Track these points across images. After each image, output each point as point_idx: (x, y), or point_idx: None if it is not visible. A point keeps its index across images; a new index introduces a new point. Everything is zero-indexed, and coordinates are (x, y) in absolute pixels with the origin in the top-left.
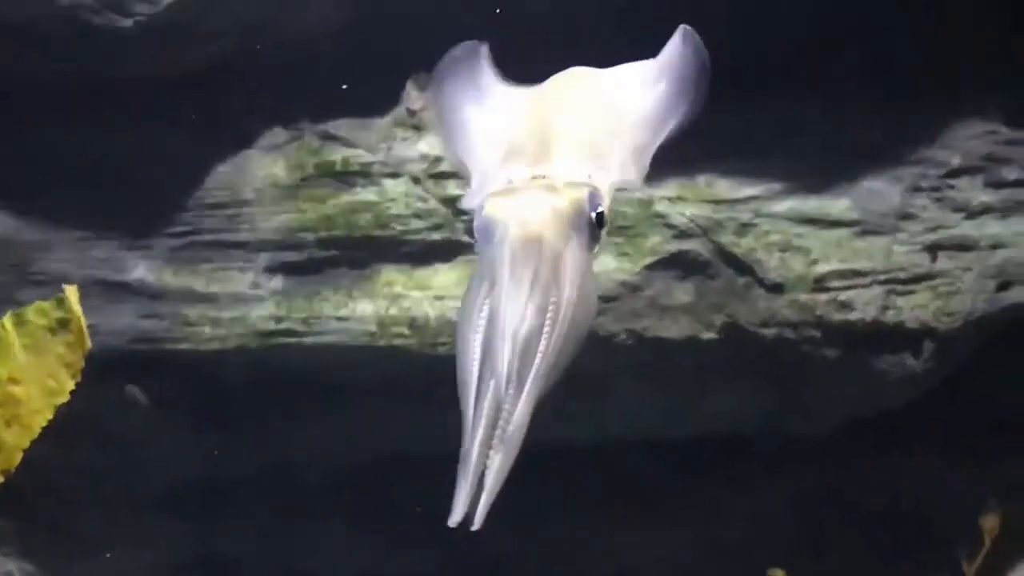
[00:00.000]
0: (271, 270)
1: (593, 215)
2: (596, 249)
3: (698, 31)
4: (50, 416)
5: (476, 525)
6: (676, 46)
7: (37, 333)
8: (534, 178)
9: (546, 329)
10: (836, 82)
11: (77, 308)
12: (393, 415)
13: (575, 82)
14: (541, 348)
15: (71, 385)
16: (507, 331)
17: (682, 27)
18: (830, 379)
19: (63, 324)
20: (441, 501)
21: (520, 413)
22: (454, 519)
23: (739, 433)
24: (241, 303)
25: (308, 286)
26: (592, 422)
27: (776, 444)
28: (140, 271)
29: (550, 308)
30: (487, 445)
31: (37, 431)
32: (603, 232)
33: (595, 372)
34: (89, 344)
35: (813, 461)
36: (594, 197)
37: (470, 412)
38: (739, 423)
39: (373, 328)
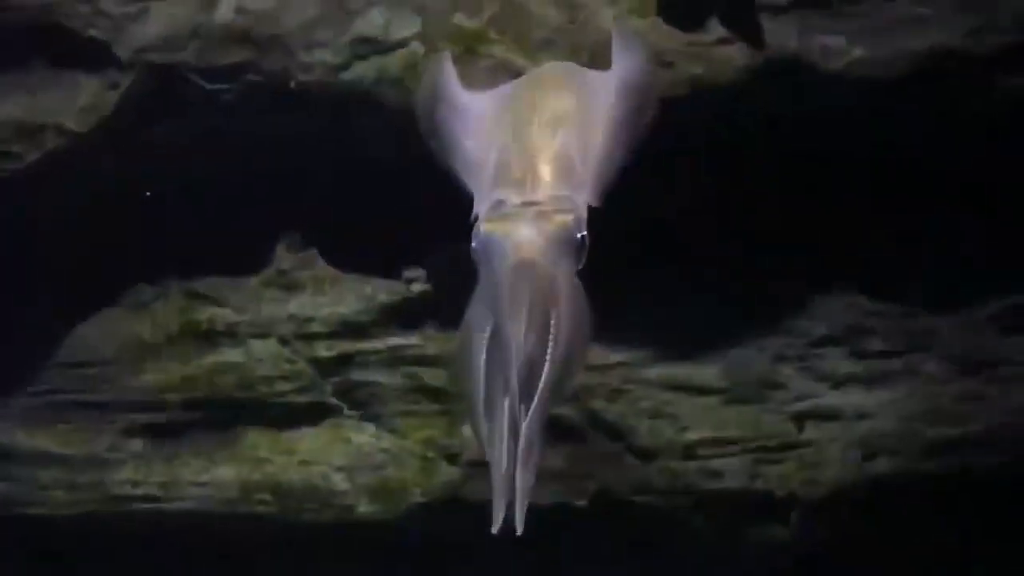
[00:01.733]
0: (130, 432)
1: (579, 236)
2: (580, 266)
3: None
4: None
5: (520, 531)
6: (628, 58)
7: None
8: (524, 204)
9: (549, 346)
10: (703, 251)
11: None
12: None
13: (552, 84)
14: (547, 364)
15: None
16: (514, 350)
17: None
18: (699, 549)
19: None
20: None
21: (535, 427)
22: (496, 527)
23: None
24: (98, 466)
25: (168, 449)
26: None
27: None
28: None
29: (551, 326)
30: (512, 456)
31: None
32: (586, 250)
33: (462, 538)
34: None
35: None
36: (578, 220)
37: (483, 425)
38: None
39: (235, 494)
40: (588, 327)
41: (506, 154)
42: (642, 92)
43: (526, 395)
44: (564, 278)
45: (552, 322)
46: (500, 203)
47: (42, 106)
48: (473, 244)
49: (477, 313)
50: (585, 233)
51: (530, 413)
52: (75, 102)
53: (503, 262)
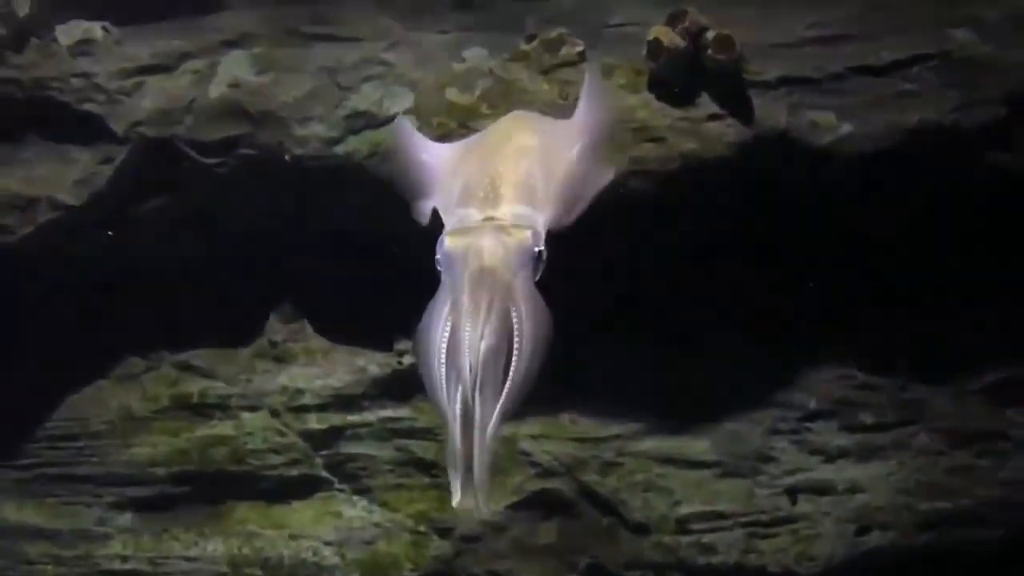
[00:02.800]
0: (119, 506)
1: (536, 250)
2: (538, 277)
3: (569, 275)
4: None
5: (483, 514)
6: (592, 103)
7: None
8: (486, 219)
9: (515, 342)
10: (697, 325)
11: None
12: None
13: (516, 127)
14: (515, 356)
15: None
16: (468, 345)
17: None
18: None
19: None
20: None
21: (496, 419)
22: (456, 501)
23: None
24: (86, 540)
25: (158, 523)
26: None
27: None
28: None
29: (514, 325)
30: (468, 438)
31: None
32: (543, 263)
33: None
34: None
35: None
36: (536, 235)
37: (445, 410)
38: None
39: (224, 568)
40: (549, 324)
41: (471, 178)
42: (604, 131)
43: (487, 383)
44: (522, 283)
45: (514, 318)
46: (463, 218)
47: (36, 178)
48: (437, 255)
49: (437, 310)
50: (543, 248)
51: (501, 398)
52: (69, 175)
53: (465, 269)
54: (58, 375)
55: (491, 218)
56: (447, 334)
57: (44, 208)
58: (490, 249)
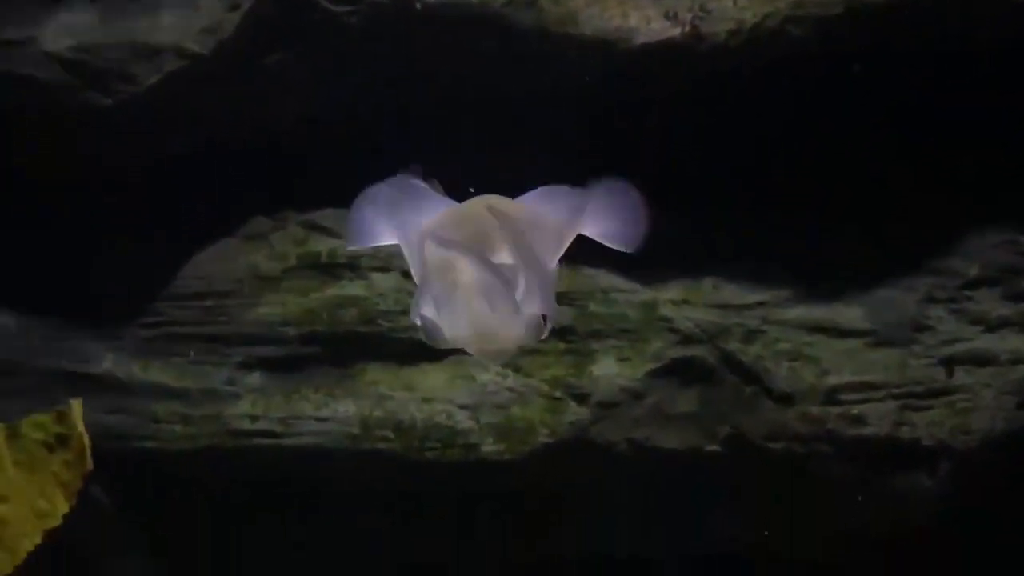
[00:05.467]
0: (248, 366)
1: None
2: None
3: (717, 142)
4: (38, 540)
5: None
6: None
7: (32, 448)
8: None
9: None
10: (848, 189)
11: (80, 425)
12: (374, 524)
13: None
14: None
15: (65, 508)
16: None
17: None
18: (839, 498)
19: (62, 440)
20: None
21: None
22: None
23: (737, 553)
24: (215, 400)
25: (287, 383)
26: (581, 535)
27: (776, 567)
28: (108, 364)
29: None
30: None
31: (23, 555)
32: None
33: (589, 482)
34: (91, 465)
35: None
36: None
37: None
38: (738, 542)
39: (356, 430)
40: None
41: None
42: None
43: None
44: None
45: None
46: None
47: (162, 27)
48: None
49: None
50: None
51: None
52: (195, 23)
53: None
54: (183, 233)
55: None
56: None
57: (170, 57)
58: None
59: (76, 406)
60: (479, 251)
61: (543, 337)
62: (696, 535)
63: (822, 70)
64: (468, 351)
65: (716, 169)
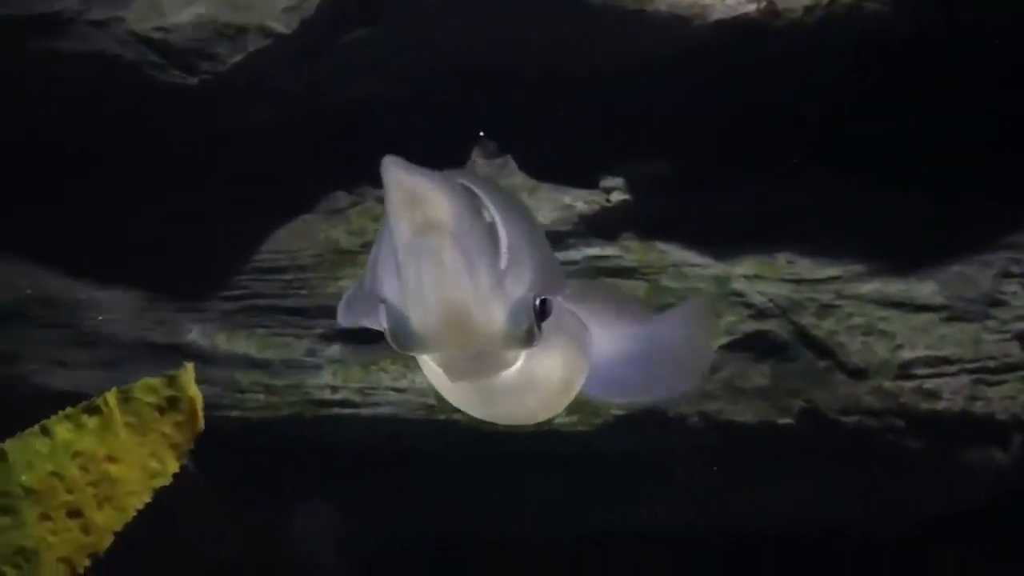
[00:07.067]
0: (328, 337)
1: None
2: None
3: (789, 110)
4: (147, 499)
5: None
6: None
7: (143, 411)
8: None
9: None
10: (922, 163)
11: (191, 388)
12: (448, 493)
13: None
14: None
15: (175, 467)
16: None
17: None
18: (912, 472)
19: (173, 403)
20: None
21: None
22: None
23: (807, 528)
24: (296, 370)
25: (366, 355)
26: (652, 508)
27: (847, 541)
28: (194, 335)
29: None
30: None
31: (132, 513)
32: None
33: (661, 456)
34: (202, 426)
35: (886, 562)
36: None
37: None
38: (809, 517)
39: (431, 401)
40: None
41: None
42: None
43: None
44: None
45: None
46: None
47: (244, 5)
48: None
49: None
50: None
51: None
52: (278, 3)
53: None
54: (263, 209)
55: None
56: None
57: (254, 36)
58: None
59: (188, 370)
60: (455, 188)
61: (536, 343)
62: (767, 509)
63: (898, 45)
64: (437, 363)
65: (791, 144)
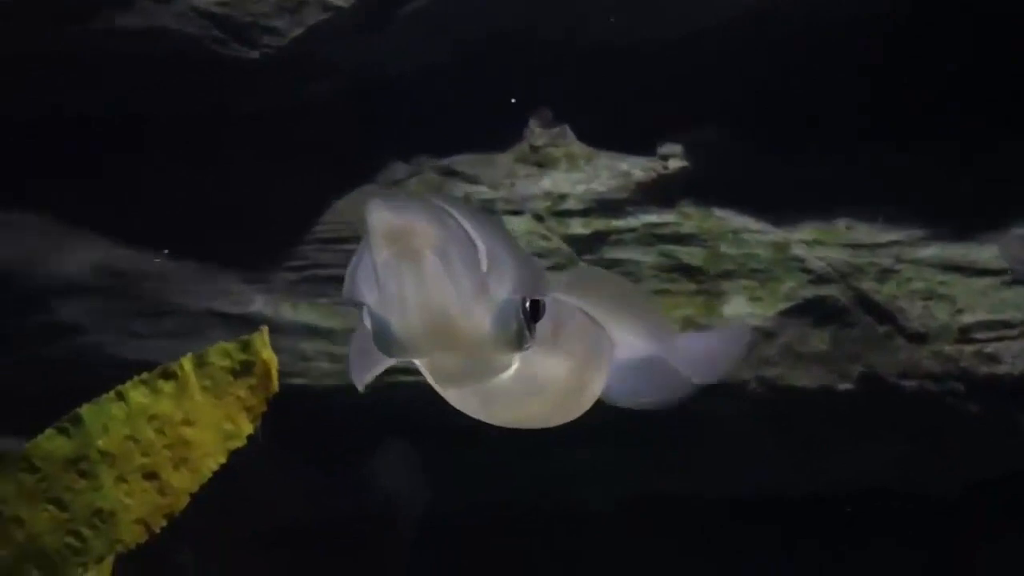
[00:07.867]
0: None
1: None
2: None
3: (847, 76)
4: (223, 460)
5: None
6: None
7: (218, 375)
8: None
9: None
10: (985, 127)
11: (265, 352)
12: (509, 461)
13: None
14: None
15: (249, 429)
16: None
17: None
18: (972, 436)
19: (247, 367)
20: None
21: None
22: None
23: (868, 491)
24: None
25: None
26: (713, 473)
27: (907, 504)
28: (259, 304)
29: None
30: None
31: (207, 475)
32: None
33: (721, 420)
34: (276, 387)
35: (946, 524)
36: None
37: None
38: (869, 480)
39: None
40: None
41: None
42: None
43: None
44: None
45: None
46: None
47: None
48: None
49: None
50: None
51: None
52: None
53: None
54: (324, 180)
55: None
56: None
57: (313, 10)
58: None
59: (263, 333)
60: (432, 208)
61: (528, 345)
62: (827, 474)
63: (959, 8)
64: (426, 369)
65: (850, 109)
